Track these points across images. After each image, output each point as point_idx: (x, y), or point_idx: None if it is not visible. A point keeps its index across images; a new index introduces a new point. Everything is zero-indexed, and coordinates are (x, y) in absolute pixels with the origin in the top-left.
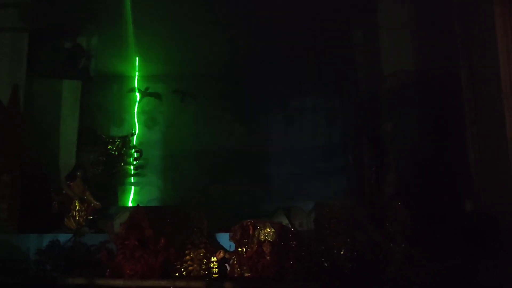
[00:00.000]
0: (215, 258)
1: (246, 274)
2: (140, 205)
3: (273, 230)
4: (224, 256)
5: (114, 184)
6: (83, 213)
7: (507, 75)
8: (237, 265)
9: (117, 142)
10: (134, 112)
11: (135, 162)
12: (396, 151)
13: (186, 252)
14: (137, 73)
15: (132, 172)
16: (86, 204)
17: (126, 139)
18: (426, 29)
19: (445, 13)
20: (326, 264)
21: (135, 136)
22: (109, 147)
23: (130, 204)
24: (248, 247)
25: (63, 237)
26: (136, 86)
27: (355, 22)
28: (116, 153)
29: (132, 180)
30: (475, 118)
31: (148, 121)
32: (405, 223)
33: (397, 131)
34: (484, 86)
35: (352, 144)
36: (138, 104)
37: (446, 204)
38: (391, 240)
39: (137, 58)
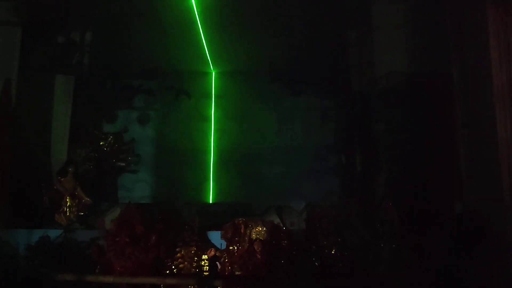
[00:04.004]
0: (206, 256)
1: (237, 273)
2: (131, 202)
3: (264, 229)
4: (215, 254)
5: (106, 180)
6: (74, 209)
7: (499, 78)
8: (228, 264)
9: (110, 138)
10: (127, 109)
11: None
12: (387, 152)
13: (177, 249)
14: (131, 69)
15: (124, 168)
16: (77, 200)
17: (118, 136)
18: (419, 31)
19: (438, 16)
20: (317, 263)
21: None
22: (101, 143)
23: (121, 201)
24: (239, 246)
25: (53, 233)
26: (130, 82)
27: (349, 22)
28: (108, 149)
29: (124, 177)
30: (467, 121)
31: (141, 118)
32: (395, 223)
33: (389, 132)
34: (476, 89)
35: (344, 144)
36: (131, 100)
37: (436, 205)
38: (381, 240)
39: (131, 54)
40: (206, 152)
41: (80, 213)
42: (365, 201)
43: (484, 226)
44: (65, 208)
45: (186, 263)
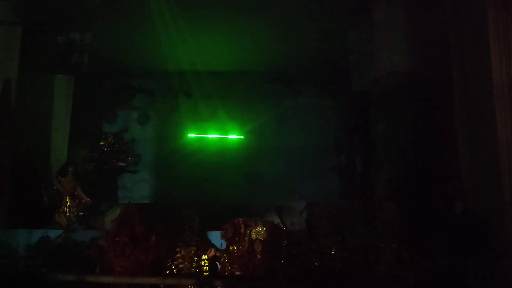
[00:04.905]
0: (206, 256)
1: (237, 273)
2: (131, 202)
3: (264, 229)
4: (215, 254)
5: (106, 180)
6: (74, 209)
7: (499, 78)
8: (228, 264)
9: (109, 138)
10: (127, 109)
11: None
12: (387, 152)
13: (177, 249)
14: (131, 69)
15: (124, 168)
16: (77, 200)
17: (118, 136)
18: (419, 31)
19: (438, 16)
20: (317, 263)
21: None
22: (101, 143)
23: (121, 201)
24: (239, 246)
25: (53, 233)
26: (130, 82)
27: (349, 23)
28: (108, 149)
29: (124, 177)
30: (467, 120)
31: (141, 118)
32: (395, 223)
33: (389, 132)
34: (476, 89)
35: (344, 144)
36: (131, 100)
37: (436, 205)
38: (381, 240)
39: (131, 54)
40: (206, 152)
41: (80, 213)
42: (365, 201)
43: (484, 226)
44: (65, 208)
45: (186, 263)
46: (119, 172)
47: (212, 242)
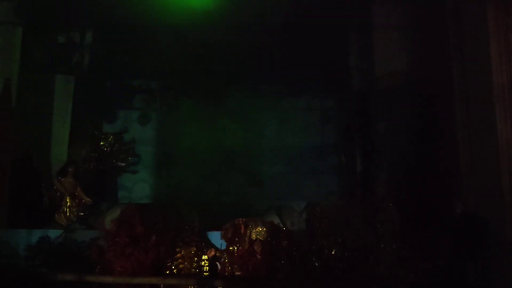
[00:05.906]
0: (206, 256)
1: (237, 273)
2: (131, 202)
3: (264, 229)
4: (215, 255)
5: (106, 180)
6: (74, 209)
7: (499, 78)
8: (228, 264)
9: (110, 139)
10: (127, 109)
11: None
12: (388, 152)
13: (177, 249)
14: (130, 69)
15: (124, 168)
16: (77, 200)
17: (118, 136)
18: (420, 31)
19: (438, 16)
20: (317, 263)
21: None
22: (101, 143)
23: (121, 201)
24: (239, 246)
25: (53, 233)
26: (130, 82)
27: (349, 22)
28: (108, 149)
29: (124, 177)
30: (467, 121)
31: (141, 118)
32: (396, 223)
33: (389, 132)
34: (476, 89)
35: (344, 144)
36: (131, 100)
37: (436, 205)
38: (381, 240)
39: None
40: (206, 152)
41: (80, 213)
42: (365, 201)
43: (484, 226)
44: (65, 208)
45: (186, 263)
46: (119, 172)
47: (212, 242)
